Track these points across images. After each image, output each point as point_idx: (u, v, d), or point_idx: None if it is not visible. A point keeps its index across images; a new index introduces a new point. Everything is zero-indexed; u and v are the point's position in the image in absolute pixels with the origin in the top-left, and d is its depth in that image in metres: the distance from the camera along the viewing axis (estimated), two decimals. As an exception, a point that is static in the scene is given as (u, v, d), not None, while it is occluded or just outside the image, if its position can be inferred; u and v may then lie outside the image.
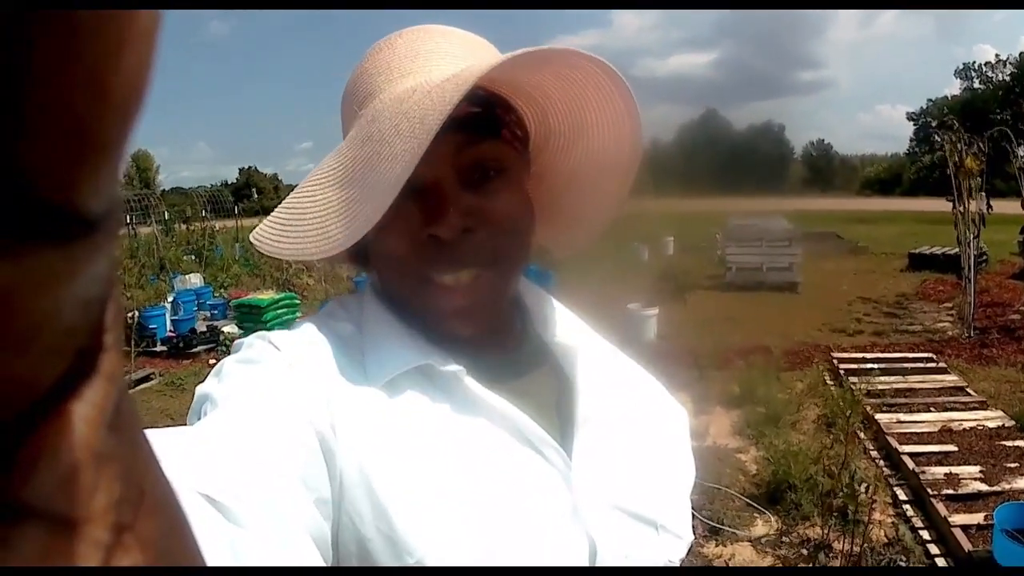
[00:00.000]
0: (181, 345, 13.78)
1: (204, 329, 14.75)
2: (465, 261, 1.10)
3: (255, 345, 1.09)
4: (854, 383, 8.68)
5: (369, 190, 1.01)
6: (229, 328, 14.27)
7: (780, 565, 6.01)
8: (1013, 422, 8.30)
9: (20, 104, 0.21)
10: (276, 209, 1.18)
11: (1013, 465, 7.16)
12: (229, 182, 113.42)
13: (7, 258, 0.21)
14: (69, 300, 0.24)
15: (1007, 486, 6.71)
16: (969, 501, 6.54)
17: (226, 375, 1.03)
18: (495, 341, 1.23)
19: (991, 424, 8.27)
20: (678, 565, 1.17)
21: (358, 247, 1.10)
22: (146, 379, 11.93)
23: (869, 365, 10.64)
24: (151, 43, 0.24)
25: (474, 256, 1.10)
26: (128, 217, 27.79)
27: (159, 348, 13.97)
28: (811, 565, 5.90)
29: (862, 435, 8.16)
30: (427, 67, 1.11)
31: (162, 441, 0.81)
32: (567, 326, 1.31)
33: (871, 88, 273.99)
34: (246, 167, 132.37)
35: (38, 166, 0.21)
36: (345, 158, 1.10)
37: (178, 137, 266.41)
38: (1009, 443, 7.70)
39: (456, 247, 1.08)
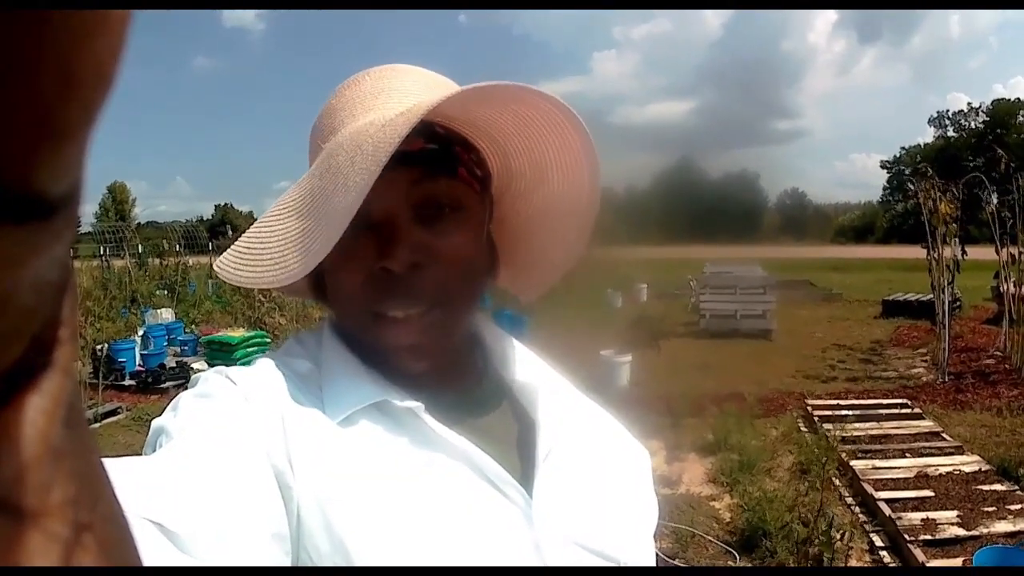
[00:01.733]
0: (150, 380, 13.71)
1: (174, 364, 14.65)
2: (414, 296, 1.10)
3: (211, 379, 1.08)
4: (829, 430, 8.66)
5: (323, 220, 1.02)
6: (199, 364, 14.13)
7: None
8: (990, 466, 8.30)
9: None
10: (239, 238, 1.19)
11: (991, 509, 7.16)
12: (205, 218, 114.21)
13: None
14: (26, 282, 0.24)
15: (985, 530, 6.69)
16: (947, 546, 6.50)
17: (182, 409, 1.02)
18: (453, 378, 1.22)
19: (968, 469, 8.27)
20: None
21: (319, 281, 1.17)
22: (113, 413, 11.82)
23: (844, 412, 10.63)
24: (122, 31, 0.23)
25: (423, 291, 1.10)
26: (102, 249, 28.17)
27: (127, 382, 13.91)
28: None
29: (837, 482, 8.12)
30: (388, 104, 1.12)
31: (114, 469, 0.76)
32: (527, 365, 1.30)
33: (846, 137, 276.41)
34: (222, 204, 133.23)
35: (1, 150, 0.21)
36: (304, 189, 1.12)
37: (157, 171, 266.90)
38: (986, 487, 7.71)
39: (406, 281, 1.09)
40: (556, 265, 1.35)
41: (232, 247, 1.19)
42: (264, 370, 1.10)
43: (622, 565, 1.13)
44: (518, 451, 1.18)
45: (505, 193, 1.28)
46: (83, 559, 0.27)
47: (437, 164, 1.10)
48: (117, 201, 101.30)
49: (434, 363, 1.16)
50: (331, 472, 0.99)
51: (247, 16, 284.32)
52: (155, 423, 1.02)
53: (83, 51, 0.22)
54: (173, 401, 1.06)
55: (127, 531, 0.32)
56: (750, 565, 6.46)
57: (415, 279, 1.09)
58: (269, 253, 1.11)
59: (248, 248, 1.15)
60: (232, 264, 1.16)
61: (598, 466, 1.23)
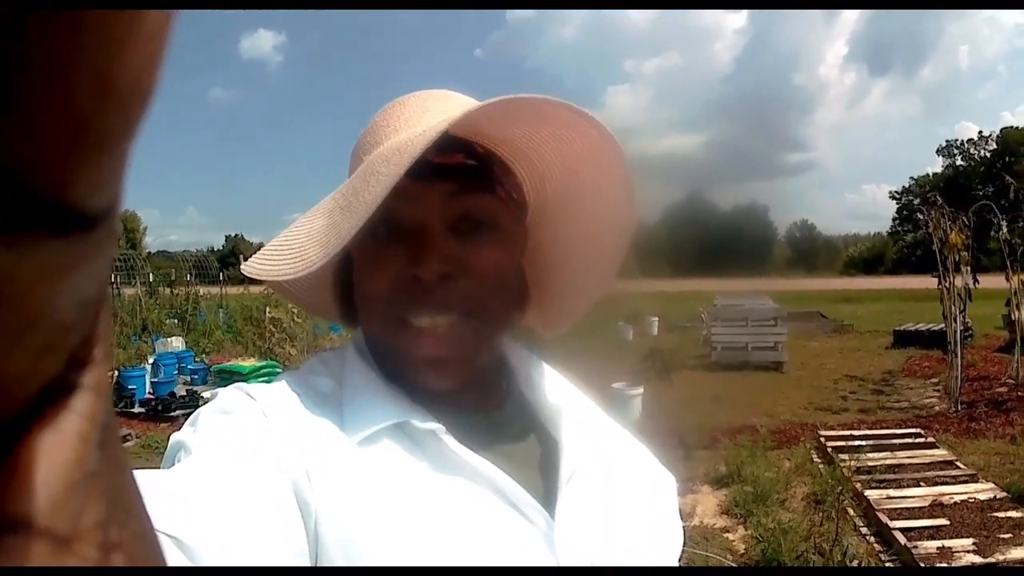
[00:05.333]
0: (160, 408, 13.76)
1: (184, 393, 14.72)
2: (442, 306, 1.09)
3: (231, 395, 1.08)
4: (842, 460, 8.62)
5: (350, 214, 1.01)
6: (209, 394, 13.64)
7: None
8: (1005, 493, 8.24)
9: (17, 96, 0.20)
10: (271, 241, 1.20)
11: (1007, 536, 7.10)
12: (215, 248, 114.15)
13: (2, 246, 0.22)
14: (65, 295, 0.24)
15: (1001, 557, 6.64)
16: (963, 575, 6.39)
17: (201, 424, 1.02)
18: (477, 400, 1.20)
19: (983, 496, 8.21)
20: None
21: (345, 299, 1.20)
22: (123, 440, 11.60)
23: (857, 442, 10.54)
24: (161, 40, 0.23)
25: (452, 302, 1.09)
26: (113, 277, 27.77)
27: (137, 409, 14.00)
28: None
29: (852, 512, 8.06)
30: (433, 121, 1.09)
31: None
32: (553, 387, 1.28)
33: (856, 168, 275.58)
34: (233, 235, 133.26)
35: (35, 160, 0.21)
36: (339, 192, 1.12)
37: (169, 201, 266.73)
38: (1002, 514, 7.66)
39: (435, 291, 1.08)
40: (586, 296, 1.34)
41: (262, 250, 1.19)
42: (284, 387, 1.10)
43: None
44: (541, 473, 1.17)
45: (539, 224, 1.27)
46: None
47: (475, 180, 1.10)
48: (128, 229, 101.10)
49: (459, 381, 1.14)
50: (350, 491, 0.99)
51: (265, 48, 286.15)
52: (173, 437, 1.02)
53: (120, 59, 0.22)
54: (192, 416, 1.06)
55: (157, 548, 0.33)
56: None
57: (444, 289, 1.08)
58: (293, 250, 1.11)
59: (275, 248, 1.16)
60: (257, 262, 1.17)
61: (622, 490, 1.22)
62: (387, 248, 1.08)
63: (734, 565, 6.92)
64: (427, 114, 1.15)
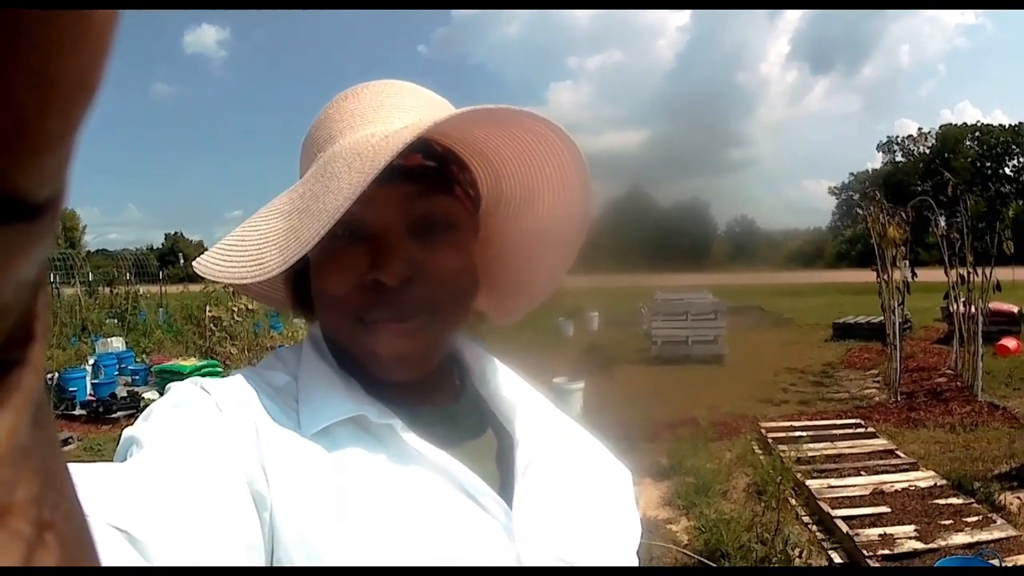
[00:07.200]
0: (101, 410, 13.57)
1: (125, 394, 14.52)
2: (403, 310, 1.09)
3: (185, 389, 1.08)
4: (783, 451, 8.65)
5: (311, 218, 1.01)
6: (150, 394, 13.92)
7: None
8: (945, 481, 8.37)
9: None
10: (223, 238, 1.18)
11: (948, 522, 7.21)
12: (155, 247, 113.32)
13: None
14: (7, 279, 0.24)
15: (943, 543, 6.73)
16: (905, 560, 6.53)
17: (154, 418, 1.02)
18: (432, 394, 1.22)
19: (923, 484, 8.34)
20: None
21: (300, 291, 1.20)
22: (64, 443, 11.60)
23: (797, 433, 10.66)
24: (106, 40, 0.23)
25: (414, 306, 1.10)
26: (52, 276, 27.58)
27: (78, 412, 13.76)
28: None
29: (793, 501, 8.14)
30: (389, 118, 1.13)
31: (84, 475, 0.82)
32: (506, 382, 1.30)
33: (796, 164, 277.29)
34: (173, 232, 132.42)
35: None
36: (295, 193, 1.11)
37: (109, 198, 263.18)
38: (942, 501, 7.77)
39: (397, 295, 1.08)
40: (538, 289, 1.35)
41: (213, 247, 1.17)
42: (239, 381, 1.10)
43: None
44: (497, 465, 1.18)
45: (492, 215, 1.28)
46: (44, 557, 0.26)
47: (434, 181, 1.10)
48: (67, 228, 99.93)
49: (416, 374, 1.15)
50: (307, 486, 0.98)
51: (208, 43, 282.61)
52: (126, 432, 1.00)
53: (63, 61, 0.22)
54: (146, 411, 1.05)
55: (87, 530, 0.32)
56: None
57: (405, 294, 1.08)
58: (248, 251, 1.09)
59: (229, 246, 1.14)
60: (211, 261, 1.15)
61: (579, 481, 1.23)
62: (347, 250, 1.08)
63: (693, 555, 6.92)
64: (382, 109, 1.15)
